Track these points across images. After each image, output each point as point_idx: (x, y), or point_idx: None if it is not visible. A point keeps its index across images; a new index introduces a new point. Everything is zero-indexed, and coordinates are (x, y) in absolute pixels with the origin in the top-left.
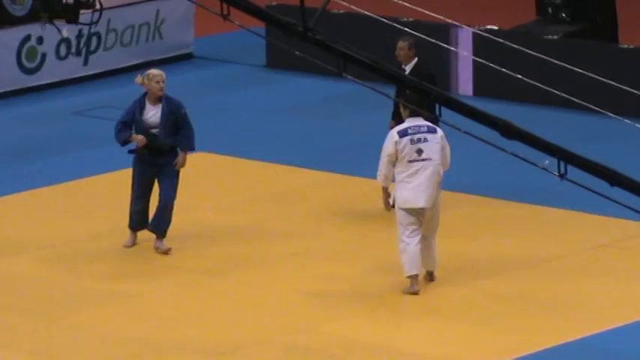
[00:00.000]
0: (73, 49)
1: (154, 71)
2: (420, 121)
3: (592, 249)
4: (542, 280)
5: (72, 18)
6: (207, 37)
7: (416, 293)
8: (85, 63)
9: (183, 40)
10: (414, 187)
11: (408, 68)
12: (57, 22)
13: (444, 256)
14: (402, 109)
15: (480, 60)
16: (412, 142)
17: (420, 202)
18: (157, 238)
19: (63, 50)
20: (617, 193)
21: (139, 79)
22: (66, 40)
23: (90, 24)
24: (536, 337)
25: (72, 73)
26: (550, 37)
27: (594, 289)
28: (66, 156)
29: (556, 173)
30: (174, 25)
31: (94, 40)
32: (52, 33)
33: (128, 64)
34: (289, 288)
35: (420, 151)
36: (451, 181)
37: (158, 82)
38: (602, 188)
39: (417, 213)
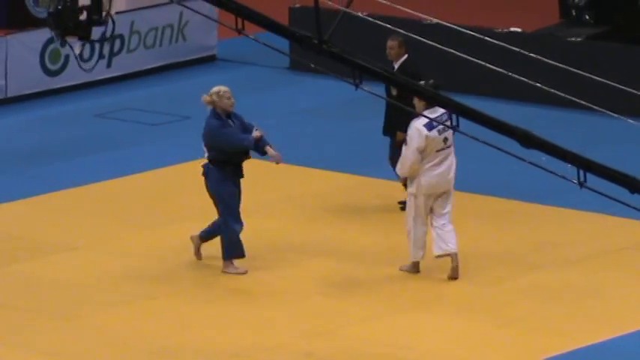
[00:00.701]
0: (92, 62)
1: (222, 88)
2: (439, 111)
3: (615, 251)
4: (566, 282)
5: (84, 35)
6: (230, 39)
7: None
8: (109, 65)
9: (206, 42)
10: (440, 174)
11: (396, 65)
12: (69, 39)
13: (466, 256)
14: (416, 102)
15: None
16: (439, 132)
17: (448, 185)
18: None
19: (86, 52)
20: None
21: (206, 98)
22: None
23: (102, 40)
24: (560, 339)
25: (95, 75)
26: (573, 39)
27: (618, 292)
28: (89, 158)
29: (575, 181)
30: (197, 28)
31: (118, 42)
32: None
33: (151, 66)
34: (308, 291)
35: (445, 140)
36: (474, 182)
37: (229, 97)
38: (621, 194)
39: (437, 195)
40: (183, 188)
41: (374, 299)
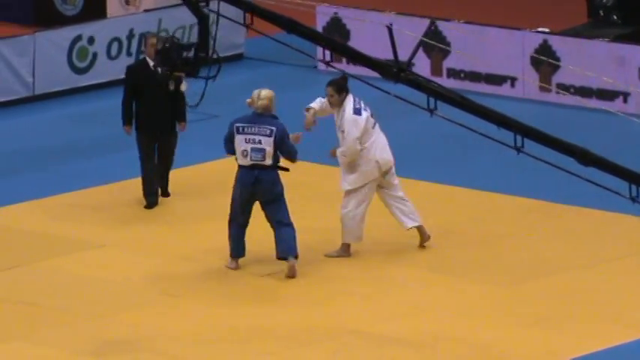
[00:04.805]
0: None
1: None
2: (354, 97)
3: None
4: (593, 282)
5: (191, 71)
6: (258, 38)
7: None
8: None
9: (234, 40)
10: (385, 145)
11: (152, 62)
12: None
13: (488, 257)
14: (331, 97)
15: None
16: (365, 110)
17: (391, 156)
18: None
19: (114, 50)
20: None
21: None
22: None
23: (208, 77)
24: (587, 340)
25: (123, 73)
26: (601, 39)
27: None
28: (117, 156)
29: (628, 197)
30: (225, 26)
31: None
32: (102, 32)
33: None
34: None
35: (372, 114)
36: (506, 184)
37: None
38: None
39: (385, 171)
40: (211, 187)
41: (393, 296)
